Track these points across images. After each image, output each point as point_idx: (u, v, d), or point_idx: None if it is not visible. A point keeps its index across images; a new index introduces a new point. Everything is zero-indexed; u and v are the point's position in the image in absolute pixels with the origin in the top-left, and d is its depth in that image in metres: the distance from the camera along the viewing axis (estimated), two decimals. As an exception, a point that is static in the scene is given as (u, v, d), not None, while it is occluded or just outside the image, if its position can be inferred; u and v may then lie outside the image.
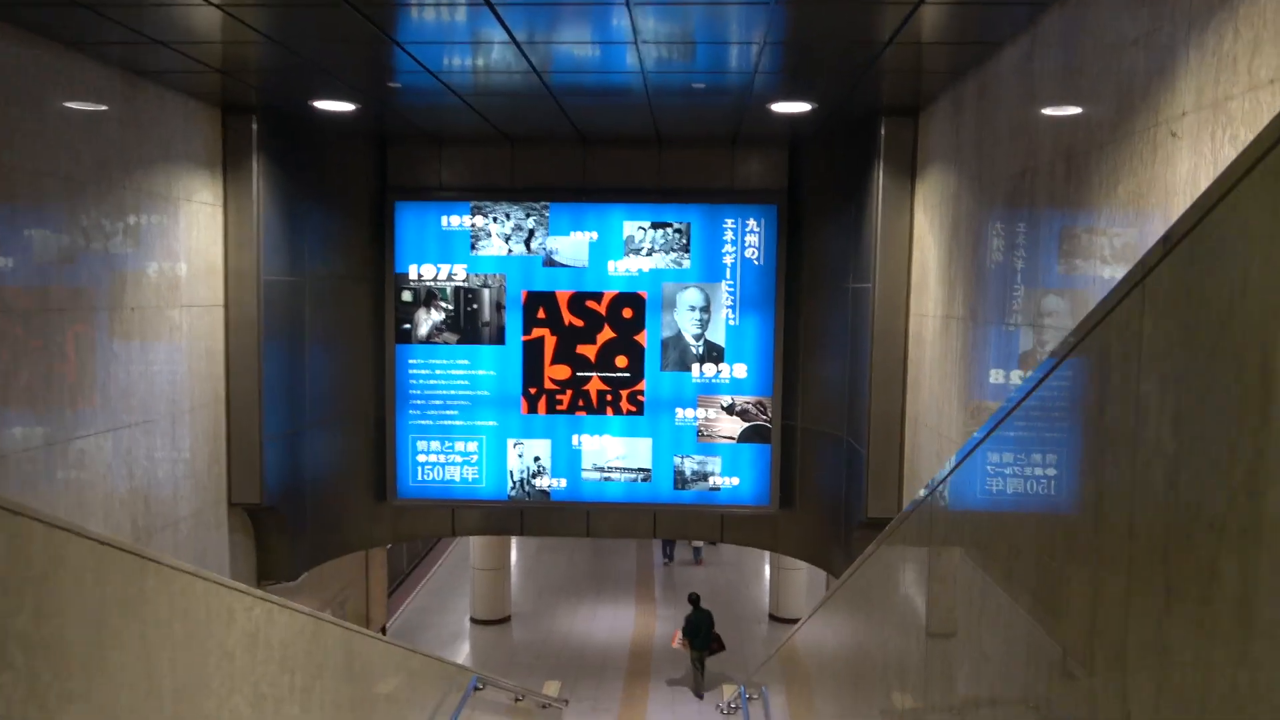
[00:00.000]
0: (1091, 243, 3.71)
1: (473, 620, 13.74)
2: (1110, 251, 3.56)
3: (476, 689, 5.25)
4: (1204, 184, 2.83)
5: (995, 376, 4.92)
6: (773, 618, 14.02)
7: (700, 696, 11.20)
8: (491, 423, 8.65)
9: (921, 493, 2.77)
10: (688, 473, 8.57)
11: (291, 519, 7.78)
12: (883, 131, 6.77)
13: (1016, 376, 4.55)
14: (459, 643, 13.09)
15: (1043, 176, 4.26)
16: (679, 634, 11.25)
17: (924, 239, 6.47)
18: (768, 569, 15.99)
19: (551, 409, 8.60)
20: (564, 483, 8.66)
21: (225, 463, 7.23)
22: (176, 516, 6.51)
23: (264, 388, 7.24)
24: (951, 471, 2.45)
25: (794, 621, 13.83)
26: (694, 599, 11.68)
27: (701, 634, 11.12)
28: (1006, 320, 4.71)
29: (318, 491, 8.19)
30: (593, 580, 16.11)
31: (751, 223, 8.33)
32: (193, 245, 6.65)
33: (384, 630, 12.58)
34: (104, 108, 5.55)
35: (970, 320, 5.33)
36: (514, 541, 18.26)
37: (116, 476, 5.77)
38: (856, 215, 7.44)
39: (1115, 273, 3.48)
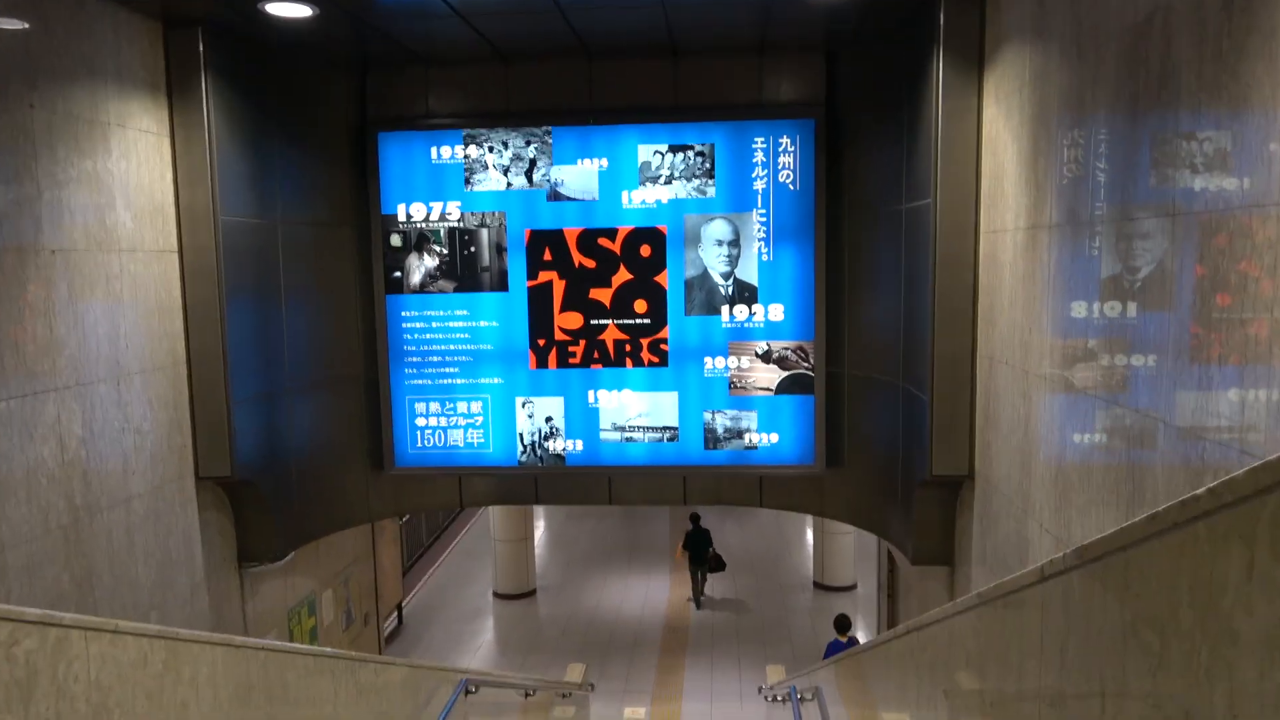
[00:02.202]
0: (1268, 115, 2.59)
1: (495, 595, 12.93)
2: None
3: (467, 692, 4.36)
4: None
5: (1109, 306, 3.81)
6: (818, 585, 13.04)
7: (698, 606, 12.56)
8: (496, 380, 7.68)
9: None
10: (720, 430, 7.55)
11: (273, 494, 6.90)
12: (942, 14, 5.60)
13: (1140, 304, 3.45)
14: (481, 619, 12.29)
15: (1182, 19, 3.13)
16: (680, 547, 12.69)
17: (997, 139, 5.33)
18: (810, 533, 15.01)
19: (563, 363, 7.61)
20: (580, 445, 7.68)
21: (190, 432, 6.34)
22: (128, 494, 5.63)
23: (229, 345, 6.33)
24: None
25: (841, 590, 12.86)
26: (694, 517, 12.68)
27: (700, 549, 12.40)
28: (1125, 224, 3.60)
29: (304, 462, 7.30)
30: (623, 549, 15.23)
31: (785, 141, 7.21)
32: (132, 179, 5.70)
33: (399, 609, 11.79)
34: (-5, 5, 4.58)
35: (1069, 227, 4.22)
36: (539, 512, 17.45)
37: (42, 449, 4.88)
38: (910, 122, 6.30)
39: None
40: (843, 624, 9.01)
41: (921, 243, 6.01)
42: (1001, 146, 5.25)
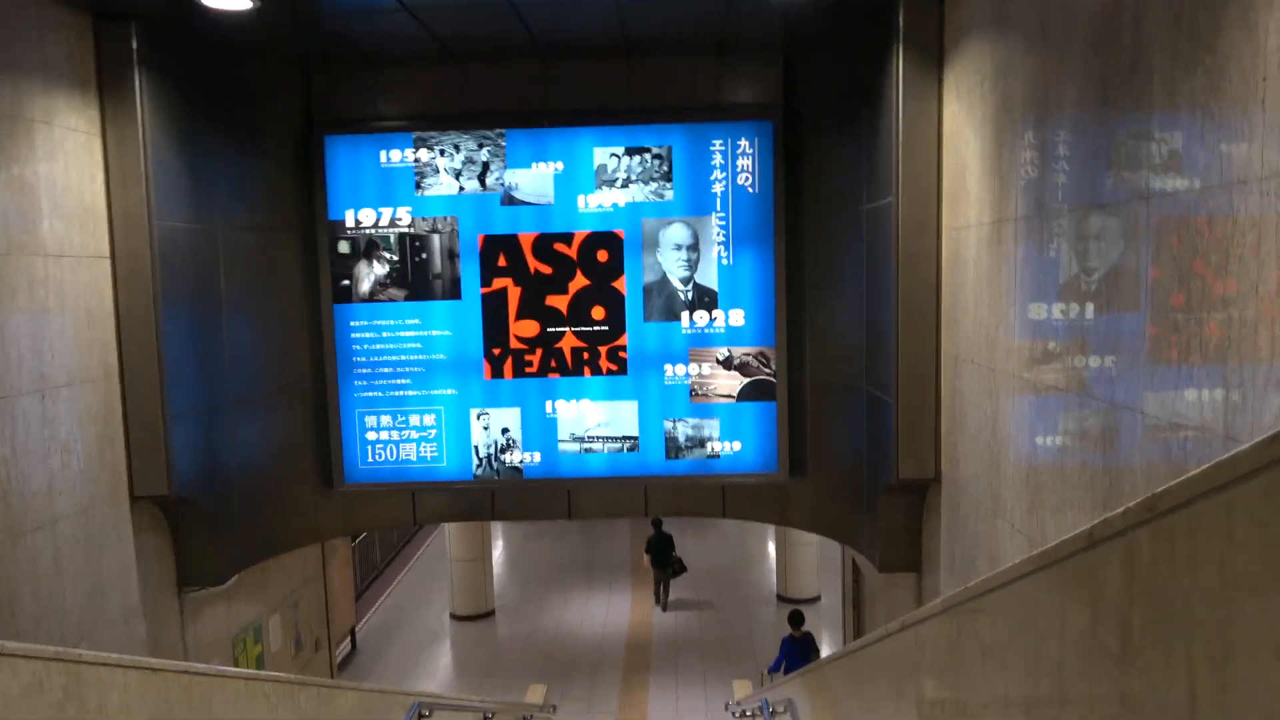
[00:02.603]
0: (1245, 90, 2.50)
1: (453, 617, 12.56)
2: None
3: (421, 717, 4.08)
4: None
5: (1077, 299, 3.71)
6: (781, 598, 12.89)
7: (664, 609, 12.88)
8: (450, 391, 7.42)
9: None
10: (681, 439, 7.37)
11: (215, 513, 6.56)
12: (901, 12, 5.53)
13: (1112, 297, 3.35)
14: (438, 642, 11.92)
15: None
16: (645, 553, 12.92)
17: (959, 135, 5.25)
18: (772, 545, 14.87)
19: (519, 372, 7.38)
20: (538, 457, 7.45)
21: (124, 448, 5.99)
22: (54, 515, 5.28)
23: (166, 355, 6.00)
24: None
25: (805, 602, 12.71)
26: (657, 523, 12.93)
27: (663, 554, 12.70)
28: (1093, 213, 3.51)
29: (249, 480, 6.96)
30: (582, 566, 14.95)
31: (744, 143, 7.10)
32: (60, 180, 5.38)
33: (353, 634, 11.39)
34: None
35: (1035, 219, 4.12)
36: (497, 529, 17.10)
37: (-45, 467, 4.54)
38: (870, 121, 6.22)
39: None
40: (797, 619, 9.19)
41: (884, 243, 5.91)
42: (963, 143, 5.18)
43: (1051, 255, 3.98)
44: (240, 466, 6.87)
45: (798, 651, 8.98)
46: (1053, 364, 3.99)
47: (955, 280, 5.37)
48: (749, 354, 7.25)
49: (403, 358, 7.40)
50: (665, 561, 12.69)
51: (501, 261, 7.28)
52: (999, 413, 4.69)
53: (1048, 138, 3.97)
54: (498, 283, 7.30)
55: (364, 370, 7.42)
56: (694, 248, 7.18)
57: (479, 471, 7.46)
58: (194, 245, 6.40)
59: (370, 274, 7.33)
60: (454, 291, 7.32)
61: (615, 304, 7.27)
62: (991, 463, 4.82)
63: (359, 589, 13.09)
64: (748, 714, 6.17)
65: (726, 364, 7.27)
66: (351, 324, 7.38)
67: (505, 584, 14.29)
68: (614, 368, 7.32)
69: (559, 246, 7.24)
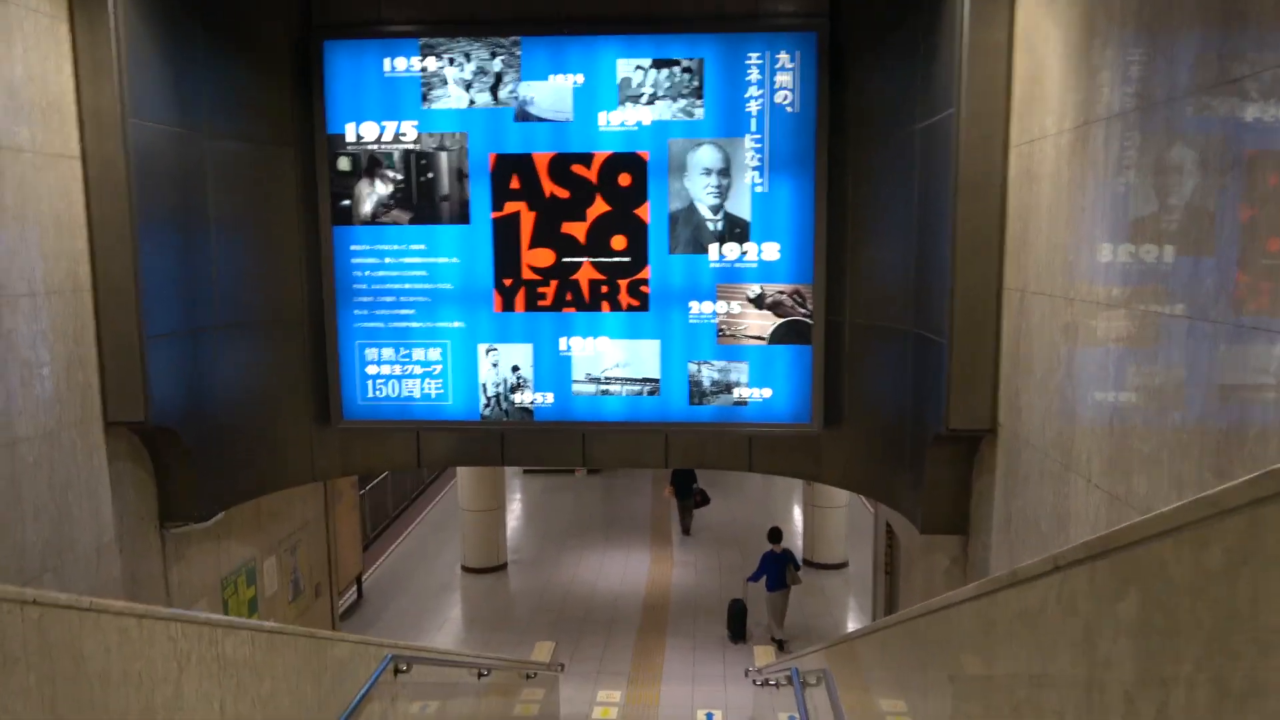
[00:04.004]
0: None
1: (464, 569, 12.14)
2: None
3: (397, 671, 3.57)
4: None
5: (1196, 197, 3.03)
6: (808, 563, 12.32)
7: (686, 532, 13.84)
8: (457, 324, 6.86)
9: None
10: (706, 383, 6.76)
11: (199, 445, 6.08)
12: (973, -109, 4.78)
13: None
14: (447, 594, 11.52)
15: None
16: (669, 485, 13.82)
17: (1035, 30, 4.53)
18: (798, 508, 14.30)
19: (532, 305, 6.79)
20: (550, 398, 6.88)
21: (98, 370, 5.50)
22: (12, 436, 4.80)
23: (143, 271, 5.49)
24: None
25: (832, 568, 12.15)
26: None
27: (685, 486, 13.62)
28: (1221, 88, 2.82)
29: (237, 412, 6.47)
30: (602, 523, 14.47)
31: (783, 57, 6.38)
32: (18, 66, 4.82)
33: (359, 582, 11.00)
34: None
35: (1138, 114, 3.43)
36: (514, 482, 16.68)
37: (-111, 376, 4.04)
38: (926, 29, 5.50)
39: None
40: (775, 535, 10.12)
41: (940, 163, 5.21)
42: (1041, 39, 4.45)
43: (1158, 157, 3.29)
44: (228, 397, 6.38)
45: (777, 566, 9.89)
46: (1152, 288, 3.32)
47: (1024, 202, 4.68)
48: (783, 292, 6.59)
49: (406, 286, 6.84)
50: (687, 493, 13.66)
51: (514, 183, 6.66)
52: (1076, 350, 4.03)
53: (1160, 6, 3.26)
54: (510, 207, 6.69)
55: (364, 299, 6.87)
56: (725, 173, 6.51)
57: (486, 412, 6.92)
58: (178, 153, 5.85)
59: (372, 194, 6.74)
60: (462, 215, 6.72)
61: (638, 233, 6.63)
62: (1064, 409, 4.17)
63: (368, 537, 12.72)
64: (771, 683, 5.63)
65: (758, 302, 6.63)
66: (352, 248, 6.81)
67: (520, 537, 13.86)
68: (635, 303, 6.71)
69: (577, 168, 6.60)
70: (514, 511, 15.22)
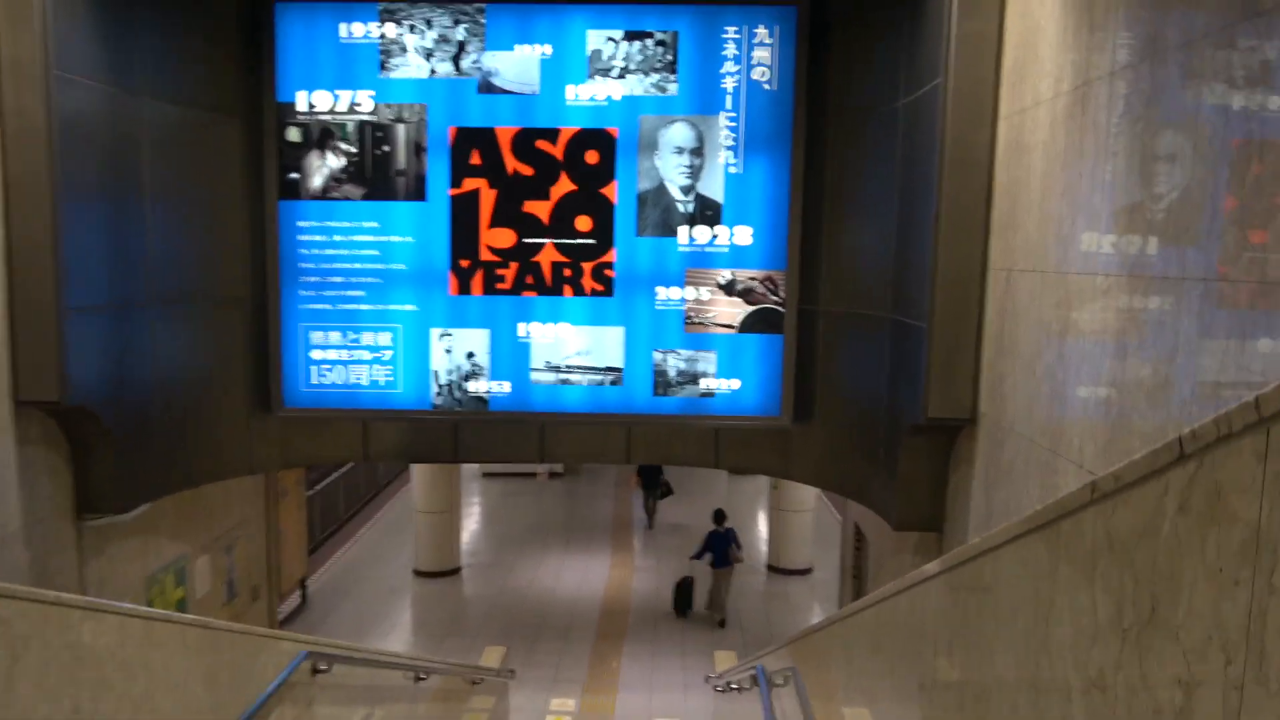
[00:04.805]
0: None
1: (416, 573, 11.65)
2: None
3: (316, 671, 3.17)
4: None
5: (1196, 167, 2.77)
6: (772, 569, 12.02)
7: (650, 526, 14.01)
8: (410, 307, 6.47)
9: None
10: (671, 373, 6.44)
11: (123, 430, 5.61)
12: None
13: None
14: (397, 599, 11.02)
15: None
16: (635, 475, 14.08)
17: (1030, -6, 4.29)
18: (763, 514, 14.01)
19: (490, 288, 6.42)
20: (507, 387, 6.51)
21: (9, 343, 5.02)
22: (-96, 411, 4.32)
23: (64, 238, 5.03)
24: None
25: (797, 573, 11.85)
26: None
27: (651, 476, 13.67)
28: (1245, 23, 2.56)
29: (168, 396, 6.01)
30: (563, 528, 14.05)
31: (761, 31, 6.11)
32: (-77, 2, 4.37)
33: (303, 585, 10.47)
34: None
35: (1146, 65, 3.17)
36: (473, 484, 16.21)
37: None
38: (912, 2, 5.25)
39: None
40: (719, 516, 10.47)
41: (925, 138, 4.96)
42: (1036, 1, 4.21)
43: (1171, 108, 3.03)
44: (159, 380, 5.91)
45: (720, 544, 10.20)
46: (1161, 255, 3.05)
47: (1013, 176, 4.42)
48: (755, 278, 6.30)
49: (356, 266, 6.44)
50: (653, 483, 13.69)
51: (475, 159, 6.30)
52: (1069, 329, 3.77)
53: (1174, -50, 3.01)
54: (469, 183, 6.32)
55: (311, 279, 6.46)
56: (698, 152, 6.21)
57: (438, 401, 6.52)
58: (110, 113, 5.40)
59: (323, 167, 6.34)
60: (419, 191, 6.34)
61: (604, 214, 6.30)
62: (1053, 393, 3.90)
63: (317, 539, 12.18)
64: (734, 686, 5.29)
65: (728, 289, 6.32)
66: (299, 224, 6.40)
67: (478, 541, 13.40)
68: (599, 288, 6.37)
69: (542, 144, 6.26)
70: (472, 514, 14.74)
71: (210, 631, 2.61)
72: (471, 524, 14.24)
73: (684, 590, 10.47)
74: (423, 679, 4.48)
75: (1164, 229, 3.03)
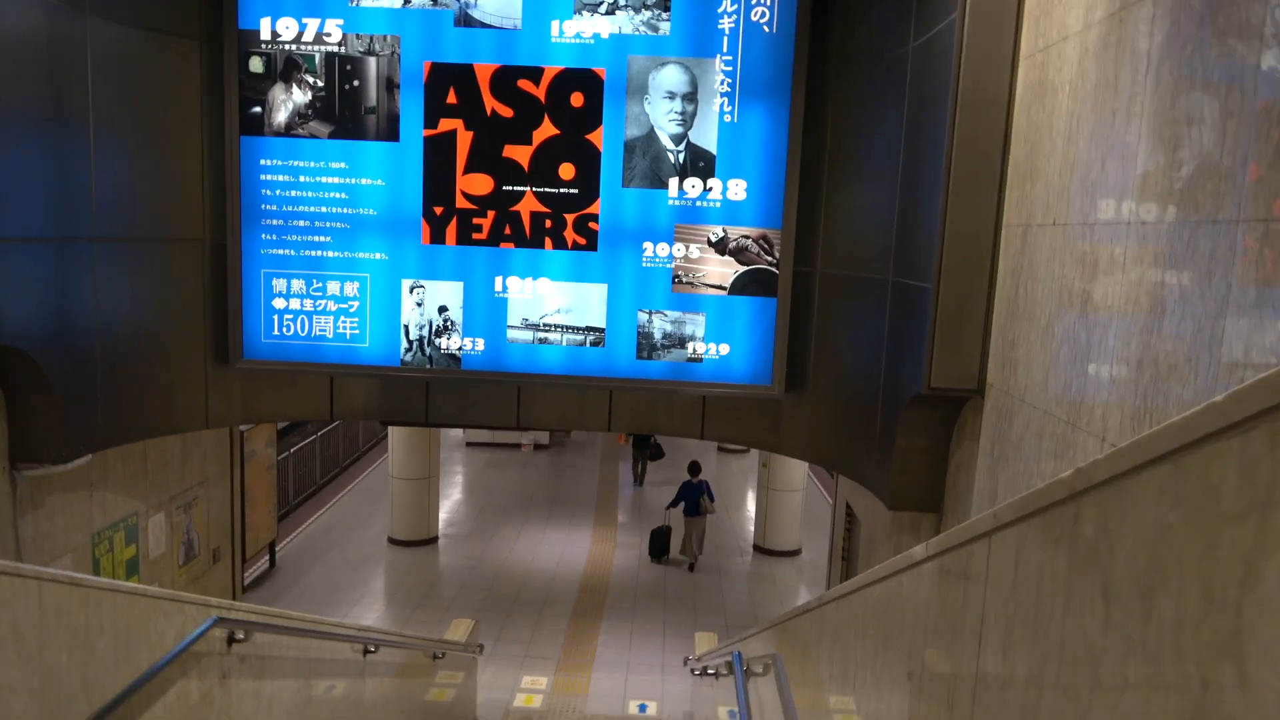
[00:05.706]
0: None
1: (390, 541, 11.29)
2: None
3: (233, 640, 2.79)
4: None
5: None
6: (759, 549, 11.68)
7: (639, 483, 14.49)
8: (379, 255, 6.05)
9: None
10: (657, 335, 6.03)
11: (62, 374, 5.20)
12: None
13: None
14: (369, 567, 10.66)
15: None
16: (623, 435, 14.14)
17: (1062, -83, 3.84)
18: (752, 492, 13.66)
19: (465, 238, 6.00)
20: (481, 344, 6.10)
21: (-69, 275, 4.60)
22: None
23: (-8, 159, 4.58)
24: None
25: (785, 554, 11.51)
26: None
27: (641, 437, 13.89)
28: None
29: (115, 340, 5.59)
30: (545, 500, 13.70)
31: (763, -32, 5.65)
32: None
33: (272, 550, 10.11)
34: None
35: (1200, -26, 2.74)
36: (455, 452, 15.85)
37: None
38: (929, -68, 4.79)
39: None
40: (694, 468, 11.12)
41: (936, 83, 4.52)
42: (1069, -78, 3.77)
43: (1227, 26, 2.61)
44: (104, 323, 5.50)
45: (693, 494, 10.78)
46: (1212, 194, 2.64)
47: (1034, 121, 4.00)
48: (748, 236, 5.88)
49: (323, 210, 6.00)
50: (644, 444, 14.19)
51: (451, 98, 5.85)
52: (1095, 284, 3.36)
53: None
54: (445, 124, 5.88)
55: (274, 222, 6.03)
56: (691, 97, 5.77)
57: (408, 357, 6.11)
58: (48, 29, 4.94)
59: (288, 101, 5.89)
60: (390, 131, 5.90)
61: (589, 162, 5.87)
62: (1074, 357, 3.51)
63: (290, 503, 11.81)
64: (710, 671, 4.92)
65: (720, 247, 5.90)
66: (261, 162, 5.96)
67: (457, 511, 13.04)
68: (581, 241, 5.95)
69: (524, 84, 5.82)
70: (454, 484, 14.39)
71: (81, 589, 2.21)
72: (453, 493, 13.89)
73: (659, 537, 11.09)
74: (372, 652, 4.11)
75: (1213, 169, 2.62)
